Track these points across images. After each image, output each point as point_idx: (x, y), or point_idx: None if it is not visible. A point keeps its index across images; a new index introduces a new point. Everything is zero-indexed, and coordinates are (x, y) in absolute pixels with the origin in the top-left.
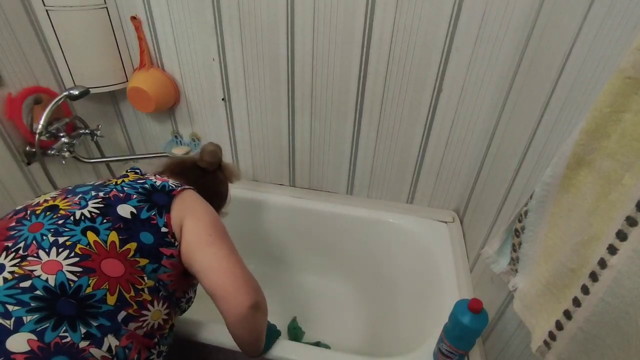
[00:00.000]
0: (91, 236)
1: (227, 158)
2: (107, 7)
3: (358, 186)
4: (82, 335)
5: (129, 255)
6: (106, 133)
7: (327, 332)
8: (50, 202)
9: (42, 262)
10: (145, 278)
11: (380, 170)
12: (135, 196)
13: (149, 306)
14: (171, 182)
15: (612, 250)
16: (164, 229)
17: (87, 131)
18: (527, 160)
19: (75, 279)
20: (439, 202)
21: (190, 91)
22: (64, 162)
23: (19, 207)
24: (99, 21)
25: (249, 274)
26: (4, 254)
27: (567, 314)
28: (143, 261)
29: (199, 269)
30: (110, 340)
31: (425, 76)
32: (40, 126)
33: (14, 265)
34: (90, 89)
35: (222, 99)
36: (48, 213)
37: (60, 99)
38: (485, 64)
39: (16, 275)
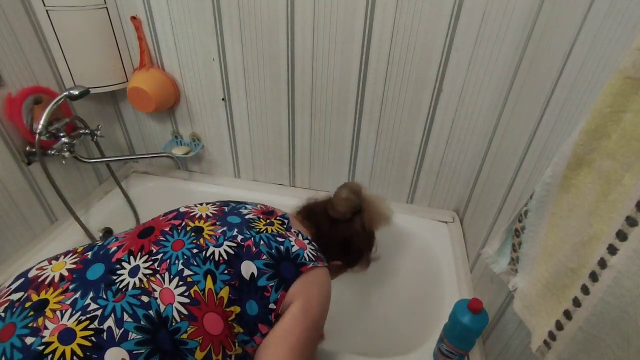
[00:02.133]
0: (209, 282)
1: (226, 154)
2: (107, 7)
3: None
4: None
5: (230, 318)
6: (106, 133)
7: (326, 332)
8: (202, 223)
9: (164, 286)
10: (237, 345)
11: (380, 170)
12: (264, 257)
13: None
14: (309, 252)
15: (612, 250)
16: (272, 306)
17: (87, 131)
18: (527, 160)
19: (178, 319)
20: (439, 202)
21: (190, 91)
22: (64, 162)
23: (182, 209)
24: (99, 21)
25: None
26: (145, 257)
27: (567, 314)
28: (238, 329)
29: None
30: None
31: (425, 76)
32: (40, 126)
33: (146, 275)
34: (90, 89)
35: (222, 99)
36: (193, 234)
37: (60, 99)
38: (485, 64)
39: (143, 286)
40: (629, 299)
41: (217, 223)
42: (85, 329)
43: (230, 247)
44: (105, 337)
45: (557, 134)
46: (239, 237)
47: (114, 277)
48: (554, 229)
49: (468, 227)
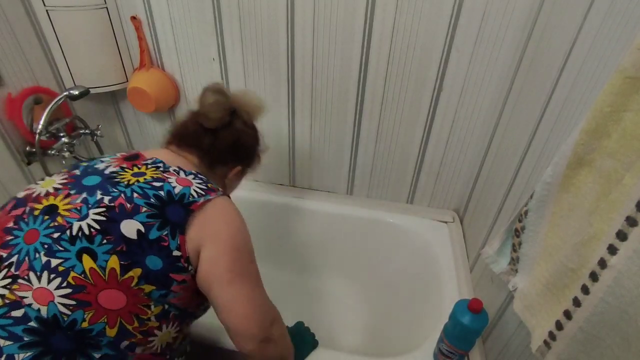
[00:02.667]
0: (87, 262)
1: None
2: (107, 7)
3: (358, 186)
4: None
5: (132, 284)
6: (106, 133)
7: (327, 332)
8: (51, 200)
9: (33, 288)
10: (152, 306)
11: (380, 170)
12: (144, 209)
13: (156, 332)
14: (195, 187)
15: (612, 250)
16: (176, 253)
17: (87, 131)
18: (527, 160)
19: (68, 312)
20: (439, 202)
21: (190, 91)
22: (64, 162)
23: (20, 195)
24: (99, 21)
25: (267, 309)
26: None
27: (567, 314)
28: (148, 288)
29: (214, 303)
30: None
31: (425, 76)
32: (40, 126)
33: (5, 287)
34: (90, 89)
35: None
36: (46, 218)
37: (60, 99)
38: (485, 64)
39: (7, 301)
40: (629, 299)
41: (72, 192)
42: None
43: (98, 214)
44: None
45: (557, 134)
46: (106, 199)
47: None
48: (554, 229)
49: (468, 227)
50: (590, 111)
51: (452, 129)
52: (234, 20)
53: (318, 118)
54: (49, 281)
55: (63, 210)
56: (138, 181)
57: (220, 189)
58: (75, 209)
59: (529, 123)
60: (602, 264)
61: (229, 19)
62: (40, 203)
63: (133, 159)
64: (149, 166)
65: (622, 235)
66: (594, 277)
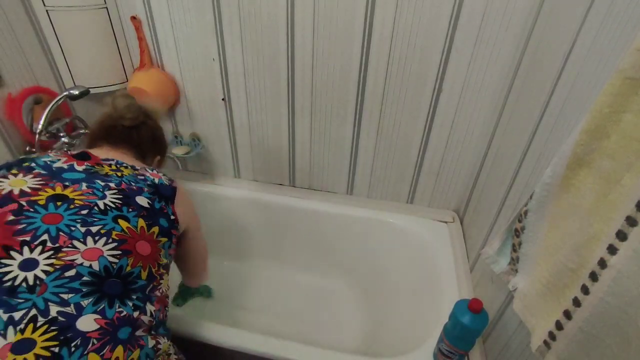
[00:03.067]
0: (123, 223)
1: (226, 154)
2: (107, 7)
3: (358, 186)
4: (132, 307)
5: (155, 236)
6: None
7: (327, 332)
8: (50, 192)
9: (81, 250)
10: (162, 255)
11: (380, 170)
12: (146, 189)
13: (165, 277)
14: (163, 178)
15: (612, 250)
16: (172, 217)
17: (87, 131)
18: (527, 160)
19: (116, 260)
20: (439, 202)
21: (190, 91)
22: None
23: None
24: (99, 21)
25: (206, 250)
26: (26, 248)
27: (567, 314)
28: (163, 239)
29: (187, 250)
30: (149, 307)
31: (425, 76)
32: (40, 126)
33: (50, 257)
34: (90, 89)
35: (222, 99)
36: (60, 203)
37: (60, 99)
38: (485, 64)
39: (57, 266)
40: (628, 299)
41: (67, 184)
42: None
43: (114, 193)
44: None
45: (557, 134)
46: (112, 184)
47: (7, 284)
48: (554, 229)
49: (468, 227)
50: (590, 112)
51: (452, 129)
52: (234, 20)
53: (318, 118)
54: (95, 242)
55: (75, 196)
56: (124, 175)
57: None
58: (89, 192)
59: (529, 123)
60: (602, 264)
61: (229, 19)
62: (37, 195)
63: (86, 158)
64: (119, 166)
65: (622, 235)
66: (593, 277)
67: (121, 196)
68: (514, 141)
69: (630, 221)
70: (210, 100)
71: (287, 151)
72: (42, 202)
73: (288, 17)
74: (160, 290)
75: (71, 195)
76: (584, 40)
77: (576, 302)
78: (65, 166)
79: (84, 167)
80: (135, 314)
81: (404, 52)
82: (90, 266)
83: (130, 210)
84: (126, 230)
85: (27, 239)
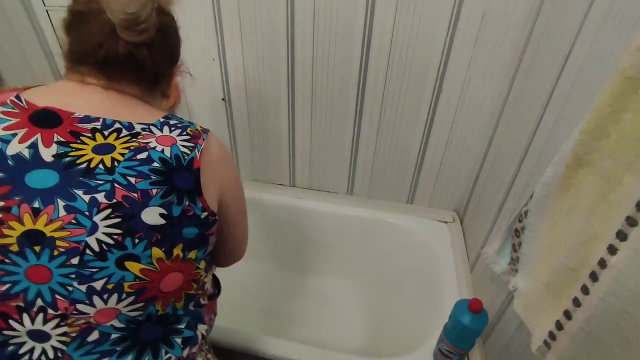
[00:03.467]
0: (134, 267)
1: None
2: None
3: (358, 186)
4: (181, 346)
5: (180, 258)
6: None
7: (327, 332)
8: (17, 226)
9: (92, 313)
10: (199, 265)
11: (380, 170)
12: (155, 191)
13: (205, 280)
14: (181, 143)
15: (612, 250)
16: (203, 215)
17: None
18: (527, 160)
19: (140, 312)
20: (439, 202)
21: (190, 91)
22: None
23: None
24: None
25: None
26: (25, 316)
27: (567, 314)
28: (193, 254)
29: (223, 235)
30: (201, 329)
31: (425, 76)
32: None
33: (58, 325)
34: None
35: (222, 99)
36: (38, 249)
37: None
38: (485, 64)
39: (74, 334)
40: (629, 298)
41: (35, 205)
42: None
43: (108, 217)
44: None
45: (557, 134)
46: (100, 197)
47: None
48: (554, 229)
49: (468, 227)
50: (590, 111)
51: (452, 129)
52: (234, 20)
53: (318, 118)
54: (106, 301)
55: (53, 232)
56: (116, 161)
57: (199, 128)
58: (70, 223)
59: (529, 123)
60: (602, 264)
61: (229, 19)
62: (2, 237)
63: (54, 121)
64: (106, 133)
65: (622, 235)
66: (594, 277)
67: (119, 219)
68: (514, 141)
69: (631, 221)
70: (210, 100)
71: (287, 151)
72: (14, 248)
73: (288, 17)
74: (206, 292)
75: (49, 232)
76: (584, 40)
77: (576, 302)
78: (26, 154)
79: (53, 151)
80: (185, 351)
81: (404, 53)
82: (112, 325)
83: (137, 241)
84: (140, 275)
85: (21, 304)
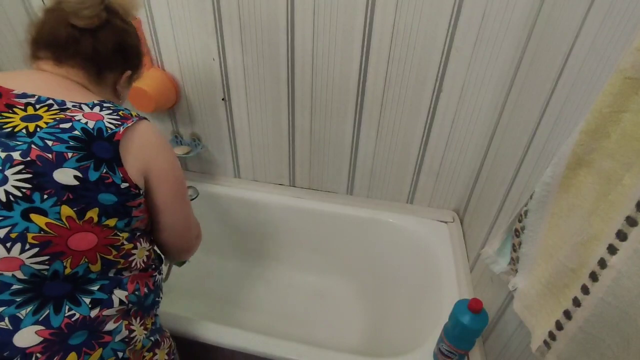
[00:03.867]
0: (39, 219)
1: (226, 154)
2: None
3: (358, 186)
4: (89, 305)
5: (95, 222)
6: None
7: (327, 332)
8: None
9: None
10: (120, 233)
11: (380, 170)
12: (70, 154)
13: (133, 251)
14: (107, 120)
15: (612, 250)
16: (124, 185)
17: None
18: (527, 160)
19: (46, 267)
20: (439, 202)
21: (190, 91)
22: None
23: None
24: None
25: (195, 225)
26: None
27: (567, 314)
28: (112, 222)
29: (158, 224)
30: (118, 294)
31: (425, 76)
32: None
33: None
34: None
35: (222, 99)
36: None
37: None
38: (485, 64)
39: None
40: (628, 299)
41: None
42: None
43: (19, 172)
44: None
45: (557, 134)
46: (15, 155)
47: None
48: (554, 229)
49: (468, 227)
50: (590, 112)
51: (452, 129)
52: (234, 20)
53: (318, 118)
54: (8, 250)
55: None
56: (39, 127)
57: (134, 114)
58: None
59: (529, 123)
60: (602, 264)
61: (229, 19)
62: None
63: None
64: (37, 106)
65: (622, 235)
66: (593, 277)
67: (30, 175)
68: (514, 141)
69: (630, 221)
70: (210, 100)
71: (287, 151)
72: None
73: (288, 17)
74: (134, 266)
75: None
76: (584, 40)
77: (576, 302)
78: None
79: None
80: (94, 312)
81: (404, 52)
82: (14, 276)
83: (46, 197)
84: (46, 228)
85: None
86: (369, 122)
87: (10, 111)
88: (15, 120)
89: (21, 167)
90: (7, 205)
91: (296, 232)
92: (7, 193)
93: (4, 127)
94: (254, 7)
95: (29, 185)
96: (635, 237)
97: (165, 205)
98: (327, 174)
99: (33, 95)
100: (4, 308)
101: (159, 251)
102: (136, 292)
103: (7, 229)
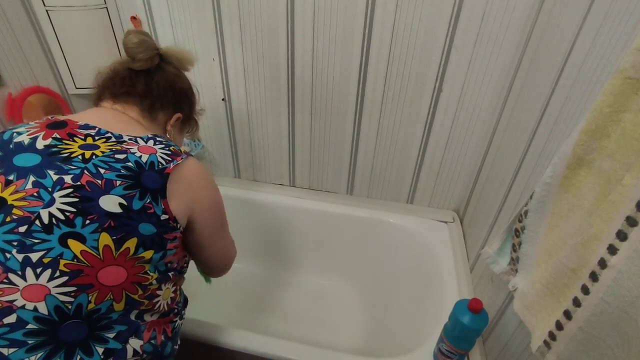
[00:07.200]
0: (75, 246)
1: (226, 154)
2: (107, 7)
3: (358, 186)
4: (102, 356)
5: (130, 255)
6: None
7: (327, 332)
8: None
9: (20, 288)
10: (150, 271)
11: (380, 170)
12: (119, 182)
13: (158, 292)
14: (160, 154)
15: (612, 250)
16: (164, 217)
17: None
18: (527, 160)
19: (70, 299)
20: (439, 202)
21: None
22: None
23: None
24: (99, 21)
25: (233, 251)
26: None
27: (567, 314)
28: (148, 254)
29: (196, 253)
30: (133, 344)
31: (425, 76)
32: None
33: None
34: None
35: (222, 99)
36: None
37: None
38: (485, 64)
39: None
40: (629, 299)
41: (10, 177)
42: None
43: (67, 195)
44: None
45: (557, 134)
46: (67, 178)
47: None
48: (554, 229)
49: (468, 227)
50: (590, 112)
51: (452, 129)
52: (234, 20)
53: (318, 118)
54: (37, 276)
55: (14, 200)
56: (95, 155)
57: (183, 150)
58: (32, 196)
59: (529, 123)
60: (602, 264)
61: (229, 19)
62: None
63: (61, 126)
64: (96, 138)
65: (622, 235)
66: (594, 277)
67: (77, 199)
68: (514, 141)
69: (631, 221)
70: (210, 100)
71: (287, 151)
72: None
73: (288, 17)
74: (159, 309)
75: (10, 199)
76: (584, 40)
77: (576, 302)
78: (25, 142)
79: (47, 142)
80: None
81: (404, 52)
82: (35, 309)
83: (88, 222)
84: (80, 256)
85: None
86: (369, 122)
87: (71, 139)
88: (74, 147)
89: (70, 190)
90: (48, 228)
91: (296, 232)
92: (50, 215)
93: (62, 152)
94: (254, 7)
95: (74, 210)
96: (635, 237)
97: (206, 241)
98: (327, 174)
99: (94, 127)
100: (14, 350)
101: (185, 293)
102: (152, 341)
103: (41, 253)
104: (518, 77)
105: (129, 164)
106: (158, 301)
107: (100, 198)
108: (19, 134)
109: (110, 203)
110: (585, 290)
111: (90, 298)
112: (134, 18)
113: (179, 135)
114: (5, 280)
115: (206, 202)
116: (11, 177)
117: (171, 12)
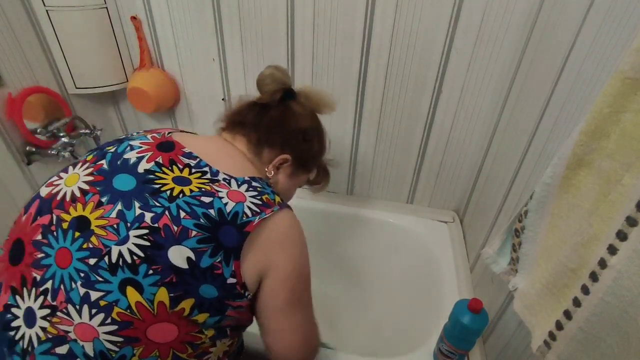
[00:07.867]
0: (132, 295)
1: None
2: (107, 7)
3: (358, 186)
4: None
5: (184, 314)
6: (106, 133)
7: (327, 332)
8: (80, 210)
9: (75, 323)
10: (205, 330)
11: (380, 170)
12: (194, 233)
13: (211, 349)
14: (249, 203)
15: (612, 250)
16: (231, 280)
17: (87, 131)
18: (527, 160)
19: (116, 349)
20: (439, 202)
21: (190, 91)
22: (60, 160)
23: (43, 193)
24: (99, 21)
25: (314, 338)
26: (33, 290)
27: (567, 314)
28: (202, 317)
29: (264, 326)
30: None
31: (425, 77)
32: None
33: (45, 318)
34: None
35: (222, 99)
36: (77, 235)
37: None
38: (485, 64)
39: (49, 335)
40: (629, 299)
41: (103, 199)
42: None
43: (141, 237)
44: None
45: (557, 134)
46: (147, 217)
47: (11, 333)
48: (554, 229)
49: (468, 227)
50: (590, 112)
51: (452, 129)
52: (234, 20)
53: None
54: (91, 317)
55: (96, 227)
56: (183, 193)
57: (277, 200)
58: (112, 227)
59: (529, 123)
60: (602, 264)
61: (229, 19)
62: (67, 212)
63: (168, 149)
64: (193, 170)
65: (622, 235)
66: (594, 277)
67: (148, 243)
68: (514, 141)
69: (631, 221)
70: (210, 100)
71: None
72: (65, 226)
73: (288, 17)
74: None
75: (94, 224)
76: (584, 40)
77: (576, 302)
78: (132, 160)
79: (149, 166)
80: None
81: (403, 52)
82: (84, 347)
83: (151, 272)
84: (134, 307)
85: (37, 277)
86: (369, 122)
87: (169, 168)
88: (168, 179)
89: (145, 231)
90: (114, 268)
91: None
92: (119, 255)
93: (155, 181)
94: (254, 7)
95: (142, 255)
96: (635, 237)
97: (276, 309)
98: None
99: (196, 158)
100: None
101: (241, 342)
102: None
103: (100, 294)
104: (518, 77)
105: (211, 211)
106: (208, 358)
107: (170, 248)
108: (132, 148)
109: (178, 256)
110: (585, 290)
111: (135, 352)
112: (134, 18)
113: (287, 180)
114: (64, 310)
115: (285, 264)
116: (104, 199)
117: (171, 13)
